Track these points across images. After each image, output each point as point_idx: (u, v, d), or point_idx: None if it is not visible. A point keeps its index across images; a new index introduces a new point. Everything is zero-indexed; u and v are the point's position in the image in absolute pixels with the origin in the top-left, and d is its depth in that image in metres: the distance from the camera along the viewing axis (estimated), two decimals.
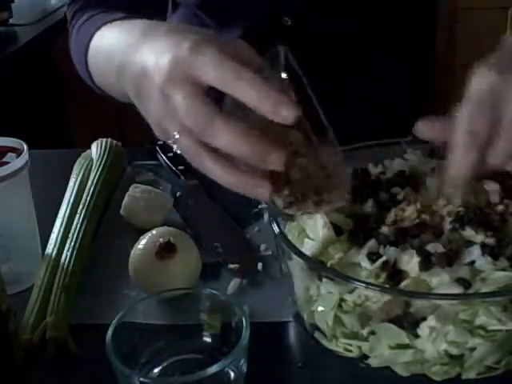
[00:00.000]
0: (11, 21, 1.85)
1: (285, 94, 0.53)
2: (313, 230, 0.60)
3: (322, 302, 0.56)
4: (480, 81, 0.57)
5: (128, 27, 0.69)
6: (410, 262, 0.55)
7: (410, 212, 0.60)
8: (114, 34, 0.72)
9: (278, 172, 0.53)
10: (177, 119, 0.54)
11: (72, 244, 0.70)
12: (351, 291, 0.54)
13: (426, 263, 0.54)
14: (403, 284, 0.54)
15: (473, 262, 0.55)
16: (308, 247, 0.59)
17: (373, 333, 0.54)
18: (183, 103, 0.53)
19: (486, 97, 0.56)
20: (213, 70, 0.53)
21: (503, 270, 0.54)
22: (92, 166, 0.84)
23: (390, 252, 0.56)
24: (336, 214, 0.61)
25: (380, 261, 0.55)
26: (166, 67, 0.55)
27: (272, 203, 0.56)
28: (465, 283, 0.53)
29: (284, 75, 0.56)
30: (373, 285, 0.54)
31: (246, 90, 0.52)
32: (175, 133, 0.55)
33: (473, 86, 0.57)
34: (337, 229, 0.60)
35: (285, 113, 0.51)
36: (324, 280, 0.55)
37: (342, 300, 0.55)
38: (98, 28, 0.78)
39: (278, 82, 0.55)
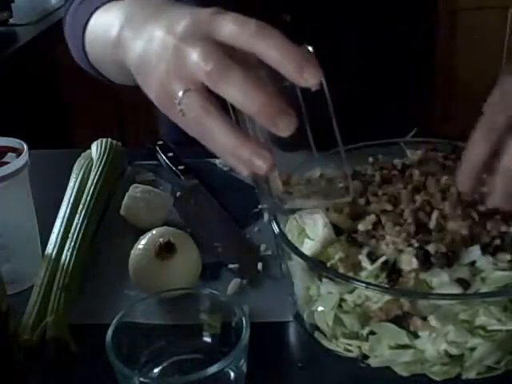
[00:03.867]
0: (11, 21, 1.85)
1: (311, 57, 0.49)
2: (313, 230, 0.60)
3: (321, 302, 0.56)
4: (497, 92, 0.56)
5: (131, 5, 0.65)
6: (410, 262, 0.55)
7: (407, 214, 0.60)
8: (115, 10, 0.69)
9: None
10: (187, 76, 0.51)
11: (72, 244, 0.70)
12: (351, 291, 0.54)
13: (426, 263, 0.54)
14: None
15: (473, 263, 0.55)
16: (308, 247, 0.59)
17: (373, 333, 0.54)
18: (200, 54, 0.50)
19: (498, 111, 0.55)
20: (234, 25, 0.50)
21: (503, 270, 0.54)
22: (92, 165, 0.84)
23: (389, 252, 0.56)
24: (336, 213, 0.61)
25: (380, 261, 0.55)
26: (184, 28, 0.52)
27: (266, 182, 0.53)
28: (464, 283, 0.53)
29: (310, 48, 0.52)
30: (373, 285, 0.54)
31: (270, 45, 0.49)
32: (181, 92, 0.51)
33: (491, 96, 0.56)
34: (337, 229, 0.60)
35: (308, 74, 0.48)
36: (324, 280, 0.55)
37: (342, 300, 0.55)
38: (99, 6, 0.77)
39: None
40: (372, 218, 0.59)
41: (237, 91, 0.49)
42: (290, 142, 0.51)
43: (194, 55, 0.50)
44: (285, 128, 0.49)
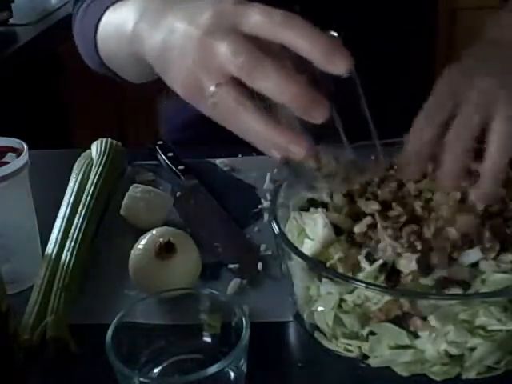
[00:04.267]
0: (11, 21, 1.85)
1: (340, 44, 0.50)
2: (312, 230, 0.60)
3: (321, 302, 0.56)
4: (442, 82, 0.60)
5: (144, 1, 0.66)
6: (409, 266, 0.54)
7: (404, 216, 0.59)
8: (126, 7, 0.70)
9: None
10: (217, 69, 0.51)
11: (72, 244, 0.70)
12: (351, 291, 0.54)
13: (427, 270, 0.54)
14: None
15: (474, 265, 0.55)
16: (308, 247, 0.59)
17: (373, 333, 0.54)
18: (229, 47, 0.50)
19: (444, 97, 0.59)
20: (260, 16, 0.50)
21: (504, 272, 0.53)
22: (92, 165, 0.84)
23: (388, 254, 0.56)
24: (336, 214, 0.61)
25: (378, 263, 0.55)
26: (207, 20, 0.52)
27: (302, 166, 0.55)
28: (464, 285, 0.53)
29: (335, 33, 0.53)
30: (373, 285, 0.54)
31: (297, 34, 0.49)
32: (212, 86, 0.52)
33: (436, 86, 0.60)
34: (337, 229, 0.60)
35: (339, 61, 0.49)
36: (324, 280, 0.55)
37: (341, 300, 0.55)
38: (109, 6, 0.78)
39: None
40: (368, 220, 0.59)
41: (270, 83, 0.49)
42: (320, 134, 0.53)
43: (223, 49, 0.51)
44: (319, 116, 0.50)
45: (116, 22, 0.74)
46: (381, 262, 0.55)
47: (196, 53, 0.53)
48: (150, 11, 0.62)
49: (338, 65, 0.49)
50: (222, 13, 0.52)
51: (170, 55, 0.56)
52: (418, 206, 0.59)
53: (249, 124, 0.52)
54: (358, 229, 0.59)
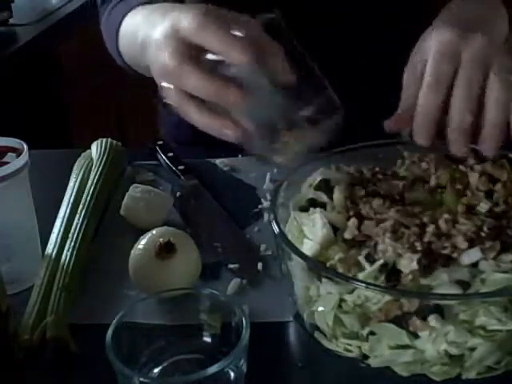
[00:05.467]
0: (11, 21, 1.85)
1: (243, 39, 0.59)
2: (311, 231, 0.60)
3: (321, 302, 0.56)
4: (440, 36, 0.67)
5: (152, 9, 0.75)
6: (410, 266, 0.54)
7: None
8: (141, 15, 0.79)
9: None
10: (165, 73, 0.63)
11: (72, 244, 0.70)
12: (351, 292, 0.54)
13: (427, 269, 0.54)
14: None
15: (474, 265, 0.55)
16: (308, 248, 0.59)
17: (373, 333, 0.54)
18: (167, 54, 0.62)
19: (446, 48, 0.65)
20: (188, 24, 0.61)
21: (504, 272, 0.53)
22: (92, 165, 0.84)
23: (388, 254, 0.56)
24: (335, 213, 0.61)
25: (378, 263, 0.55)
26: (161, 32, 0.63)
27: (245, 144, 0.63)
28: (464, 285, 0.53)
29: (271, 15, 0.62)
30: (373, 285, 0.54)
31: (210, 40, 0.60)
32: (163, 84, 0.63)
33: (434, 40, 0.67)
34: (336, 229, 0.60)
35: (235, 53, 0.58)
36: (323, 280, 0.55)
37: (341, 300, 0.55)
38: (130, 10, 0.83)
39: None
40: (353, 221, 0.59)
41: (192, 82, 0.60)
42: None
43: (165, 54, 0.62)
44: (235, 100, 0.59)
45: (131, 30, 0.81)
46: (381, 262, 0.55)
47: (154, 57, 0.64)
48: (152, 21, 0.69)
49: (236, 58, 0.59)
50: (172, 27, 0.62)
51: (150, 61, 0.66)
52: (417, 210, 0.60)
53: (190, 115, 0.62)
54: (349, 234, 0.59)
